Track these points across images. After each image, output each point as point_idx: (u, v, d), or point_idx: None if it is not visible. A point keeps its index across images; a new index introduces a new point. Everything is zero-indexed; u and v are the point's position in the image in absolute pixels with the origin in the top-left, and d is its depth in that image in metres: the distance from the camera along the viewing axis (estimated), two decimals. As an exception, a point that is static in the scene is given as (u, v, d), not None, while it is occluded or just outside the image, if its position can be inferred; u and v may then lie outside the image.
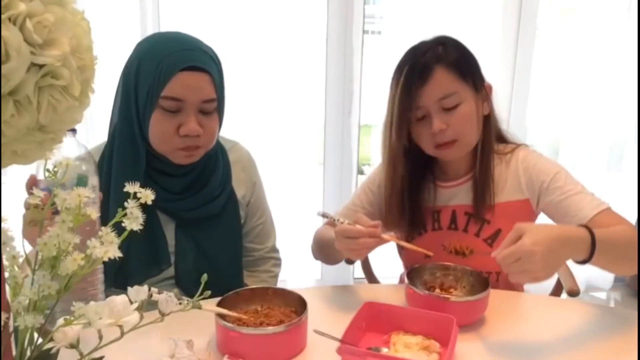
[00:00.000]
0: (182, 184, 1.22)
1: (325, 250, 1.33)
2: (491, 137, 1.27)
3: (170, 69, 1.09)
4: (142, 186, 0.62)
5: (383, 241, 1.09)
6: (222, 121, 1.22)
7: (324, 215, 1.21)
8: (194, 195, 1.23)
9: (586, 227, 1.02)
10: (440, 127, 1.19)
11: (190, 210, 1.24)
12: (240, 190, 1.32)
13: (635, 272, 1.11)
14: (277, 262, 1.44)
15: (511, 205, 1.28)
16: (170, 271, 1.25)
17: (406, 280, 1.16)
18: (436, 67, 1.18)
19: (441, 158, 1.29)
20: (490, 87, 1.27)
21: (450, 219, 1.32)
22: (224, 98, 1.20)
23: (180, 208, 1.23)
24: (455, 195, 1.33)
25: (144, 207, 0.61)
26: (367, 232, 1.06)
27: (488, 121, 1.26)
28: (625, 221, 1.16)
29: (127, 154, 1.17)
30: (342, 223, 1.10)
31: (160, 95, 1.09)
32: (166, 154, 1.17)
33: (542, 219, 1.32)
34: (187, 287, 1.23)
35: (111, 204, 1.14)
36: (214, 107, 1.15)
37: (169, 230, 1.24)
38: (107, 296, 0.66)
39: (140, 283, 1.18)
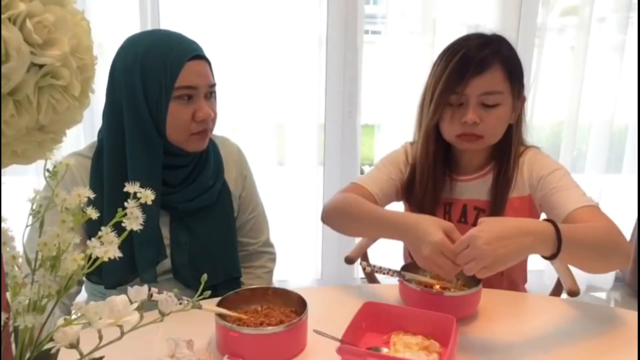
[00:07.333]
0: (181, 176, 1.25)
1: (364, 222, 1.23)
2: (519, 143, 1.32)
3: (179, 61, 1.15)
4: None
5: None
6: None
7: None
8: (190, 186, 1.25)
9: (552, 222, 1.00)
10: (474, 119, 1.22)
11: (188, 201, 1.25)
12: (232, 183, 1.34)
13: (608, 270, 1.10)
14: (272, 257, 1.45)
15: (516, 200, 1.31)
16: (167, 264, 1.25)
17: (400, 276, 1.16)
18: (494, 61, 1.20)
19: (459, 147, 1.31)
20: (524, 99, 1.30)
21: (461, 213, 1.35)
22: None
23: (178, 200, 1.24)
24: (467, 189, 1.35)
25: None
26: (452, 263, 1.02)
27: (519, 128, 1.31)
28: (607, 219, 1.13)
29: (143, 154, 1.18)
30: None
31: (174, 86, 1.15)
32: (182, 142, 1.21)
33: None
34: (186, 279, 1.25)
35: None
36: (214, 91, 1.24)
37: (164, 224, 1.25)
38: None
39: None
